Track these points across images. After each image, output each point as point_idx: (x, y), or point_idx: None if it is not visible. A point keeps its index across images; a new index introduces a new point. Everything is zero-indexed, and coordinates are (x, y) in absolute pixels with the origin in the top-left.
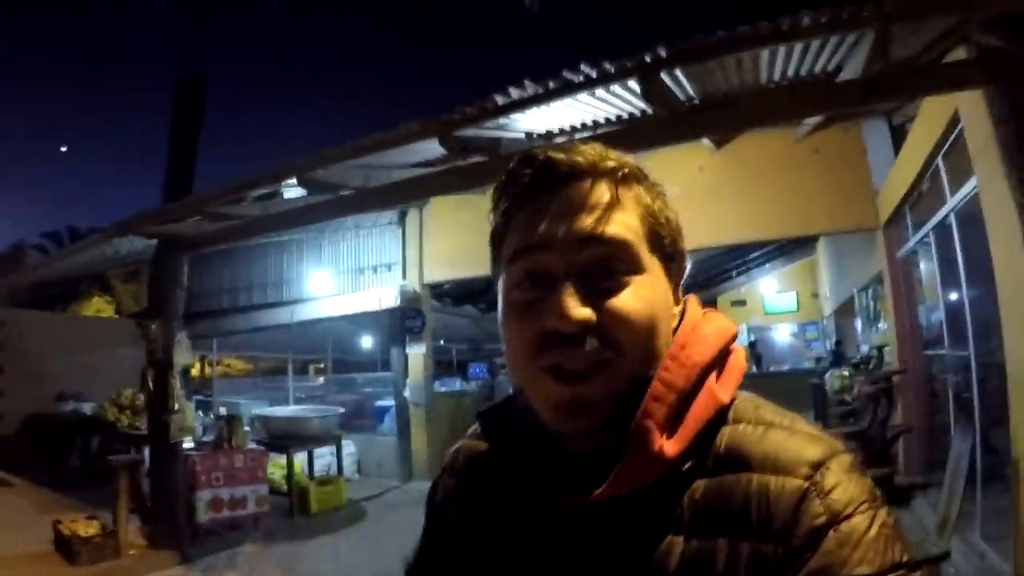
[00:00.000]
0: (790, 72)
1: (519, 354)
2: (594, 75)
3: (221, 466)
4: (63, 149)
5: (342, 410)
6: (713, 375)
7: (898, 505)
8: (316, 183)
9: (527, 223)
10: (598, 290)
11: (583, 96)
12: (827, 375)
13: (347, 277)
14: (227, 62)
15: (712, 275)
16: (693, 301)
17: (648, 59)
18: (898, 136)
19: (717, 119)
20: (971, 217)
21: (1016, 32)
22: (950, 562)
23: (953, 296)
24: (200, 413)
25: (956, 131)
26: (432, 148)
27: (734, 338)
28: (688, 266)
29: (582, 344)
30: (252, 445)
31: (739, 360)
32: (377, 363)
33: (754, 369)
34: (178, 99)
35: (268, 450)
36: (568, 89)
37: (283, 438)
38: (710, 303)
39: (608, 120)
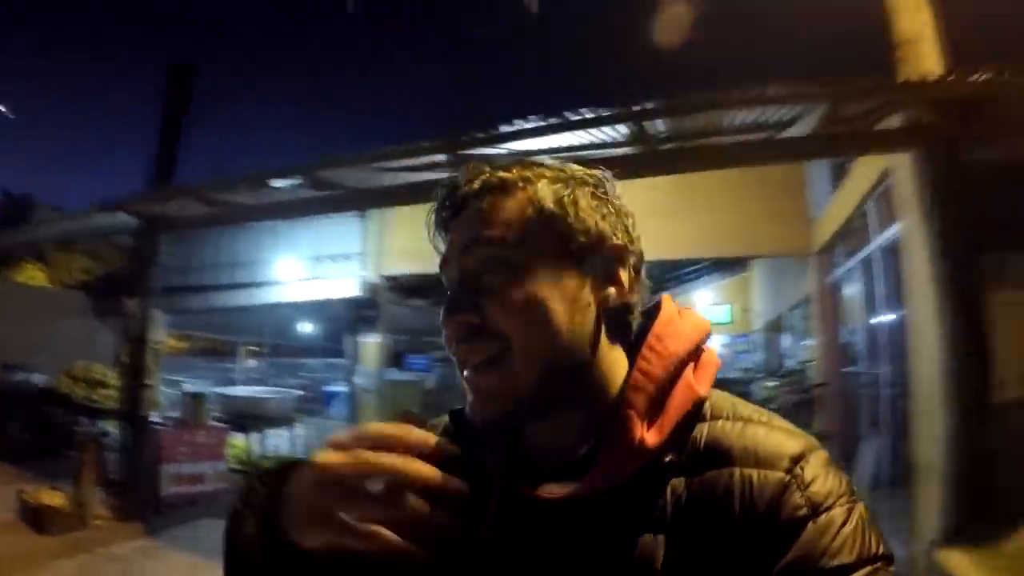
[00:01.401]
0: (752, 120)
1: (449, 351)
2: (592, 116)
3: (185, 442)
4: (11, 116)
5: (300, 392)
6: (690, 368)
7: None
8: (315, 179)
9: (443, 243)
10: (482, 288)
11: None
12: (754, 385)
13: (308, 264)
14: (219, 52)
15: (651, 284)
16: (667, 299)
17: (639, 108)
18: (837, 172)
19: (689, 161)
20: (891, 255)
21: (941, 110)
22: None
23: (872, 321)
24: (164, 389)
25: (886, 182)
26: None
27: (708, 335)
28: (624, 262)
29: (474, 340)
30: (213, 423)
31: (713, 357)
32: (318, 349)
33: None
34: (169, 85)
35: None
36: (568, 126)
37: (241, 417)
38: None
39: (587, 145)
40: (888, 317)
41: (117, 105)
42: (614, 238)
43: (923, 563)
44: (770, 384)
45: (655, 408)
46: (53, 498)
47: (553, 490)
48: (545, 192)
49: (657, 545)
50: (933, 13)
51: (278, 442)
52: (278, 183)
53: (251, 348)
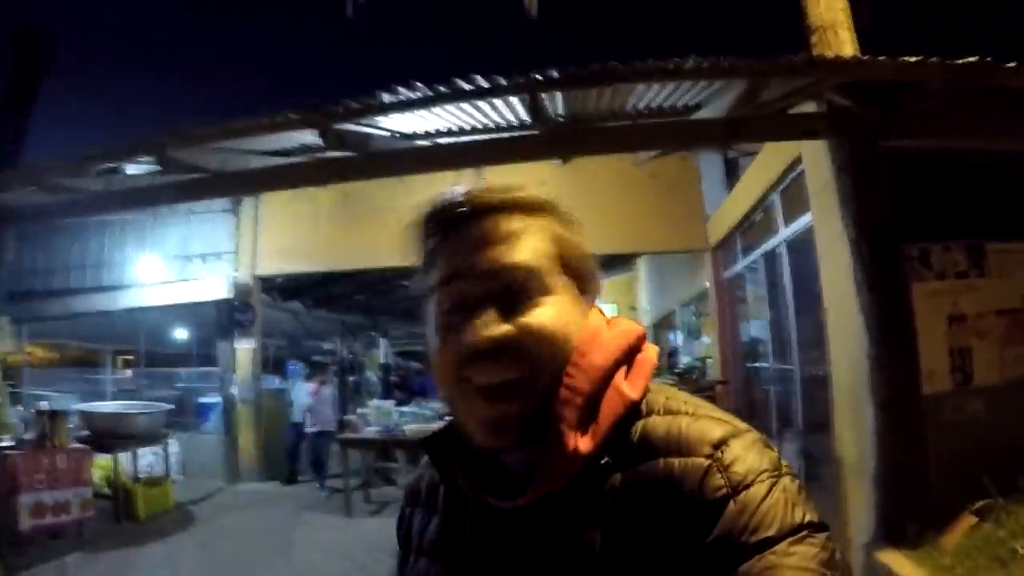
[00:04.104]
0: (654, 103)
1: (444, 372)
2: (486, 86)
3: (43, 467)
4: None
5: (170, 407)
6: (621, 374)
7: None
8: (172, 162)
9: (449, 254)
10: (512, 311)
11: (451, 105)
12: None
13: (175, 264)
14: (75, 20)
15: None
16: (596, 311)
17: (539, 78)
18: (731, 168)
19: (591, 142)
20: (799, 247)
21: (860, 95)
22: None
23: (778, 315)
24: (20, 408)
25: (796, 172)
26: (291, 138)
27: (640, 338)
28: (602, 286)
29: (498, 359)
30: (74, 444)
31: (649, 357)
32: (192, 357)
33: None
34: (16, 55)
35: (92, 449)
36: (458, 96)
37: (107, 436)
38: None
39: (474, 128)
40: (796, 310)
41: None
42: (589, 258)
43: (860, 564)
44: (667, 382)
45: (587, 417)
46: None
47: (508, 499)
48: (555, 226)
49: (596, 537)
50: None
51: (152, 460)
52: (132, 169)
53: (124, 357)
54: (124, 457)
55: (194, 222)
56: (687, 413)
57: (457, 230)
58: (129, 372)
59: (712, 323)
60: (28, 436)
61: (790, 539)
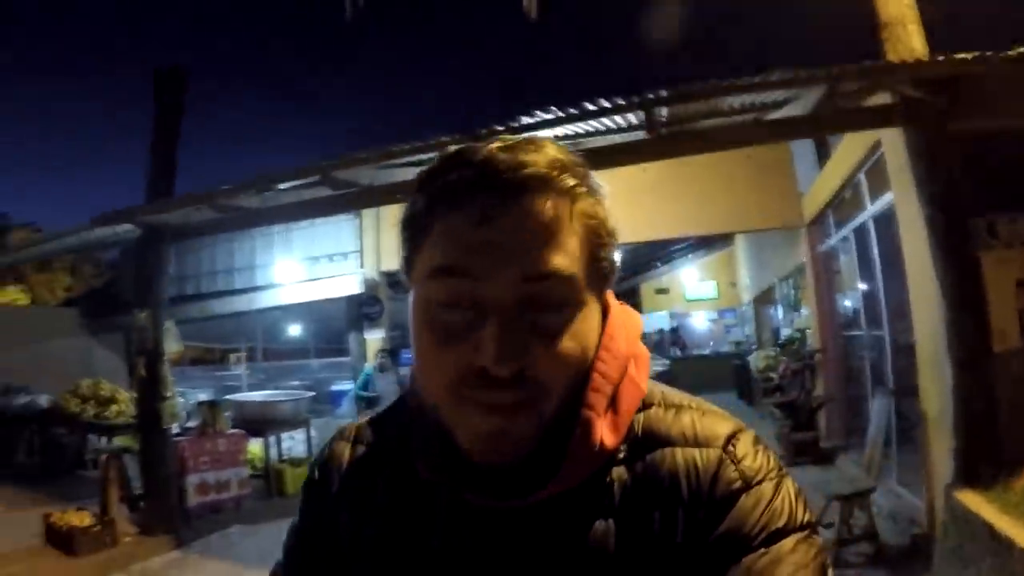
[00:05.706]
0: (747, 102)
1: (441, 381)
2: (608, 106)
3: (207, 451)
4: None
5: (312, 394)
6: (633, 365)
7: (825, 464)
8: (329, 180)
9: (459, 233)
10: (535, 327)
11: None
12: (751, 356)
13: (304, 265)
14: (212, 55)
15: (638, 264)
16: (610, 293)
17: (652, 97)
18: (821, 150)
19: (691, 143)
20: (886, 222)
21: (930, 87)
22: (873, 501)
23: (869, 286)
24: (183, 400)
25: (877, 154)
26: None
27: (642, 330)
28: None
29: (512, 387)
30: (231, 429)
31: (645, 350)
32: (309, 351)
33: (678, 353)
34: (158, 90)
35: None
36: (585, 116)
37: (256, 422)
38: (634, 291)
39: (587, 132)
40: (885, 281)
41: (90, 118)
42: (616, 244)
43: (941, 505)
44: (770, 354)
45: (609, 408)
46: (79, 519)
47: (507, 499)
48: (592, 210)
49: (609, 532)
50: None
51: (291, 444)
52: (283, 185)
53: (242, 354)
54: (269, 441)
55: (320, 225)
56: (692, 407)
57: (477, 198)
58: (243, 367)
59: (809, 295)
60: (191, 424)
61: (796, 536)
